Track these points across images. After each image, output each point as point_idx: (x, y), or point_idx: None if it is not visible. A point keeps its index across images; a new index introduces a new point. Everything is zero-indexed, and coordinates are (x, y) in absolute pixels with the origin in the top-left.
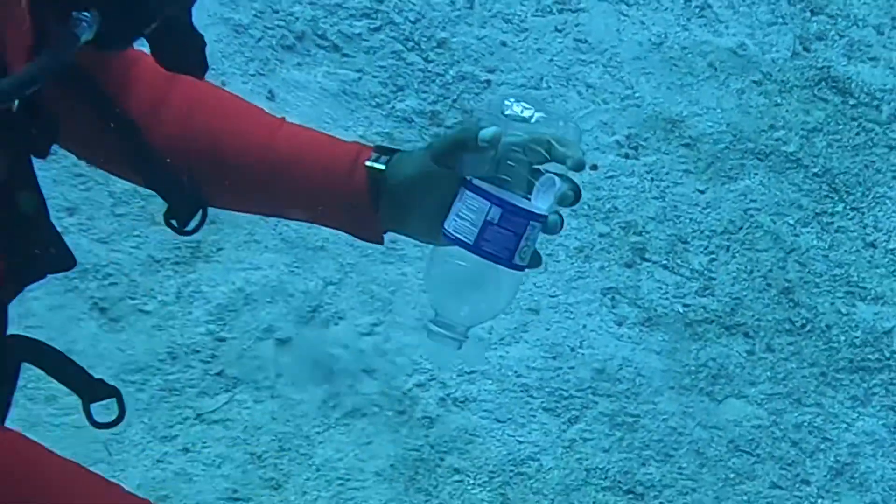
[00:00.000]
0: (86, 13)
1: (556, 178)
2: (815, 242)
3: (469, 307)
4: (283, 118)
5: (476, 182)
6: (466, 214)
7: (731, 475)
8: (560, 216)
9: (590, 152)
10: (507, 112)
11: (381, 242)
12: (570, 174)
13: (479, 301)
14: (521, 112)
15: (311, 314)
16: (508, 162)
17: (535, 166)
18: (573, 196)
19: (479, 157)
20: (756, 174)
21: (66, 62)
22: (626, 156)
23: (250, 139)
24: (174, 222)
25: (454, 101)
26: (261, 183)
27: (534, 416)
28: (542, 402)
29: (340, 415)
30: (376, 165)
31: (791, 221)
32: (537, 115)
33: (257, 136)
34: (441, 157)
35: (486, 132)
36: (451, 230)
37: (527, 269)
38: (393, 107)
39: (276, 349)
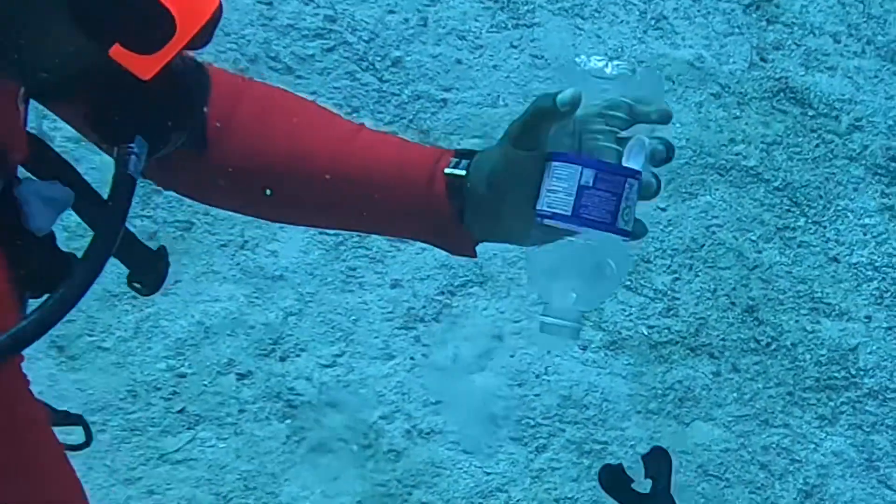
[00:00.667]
0: (131, 144)
1: (644, 139)
2: (778, 258)
3: (579, 291)
4: (363, 124)
5: (562, 153)
6: (558, 185)
7: (702, 501)
8: (656, 177)
9: None
10: (582, 68)
11: (473, 256)
12: (661, 131)
13: (588, 283)
14: (597, 63)
15: (271, 346)
16: (591, 134)
17: (620, 134)
18: (664, 151)
19: (561, 129)
20: (717, 190)
21: (127, 213)
22: None
23: (326, 145)
24: (137, 285)
25: (410, 120)
26: (338, 193)
27: (501, 447)
28: (509, 432)
29: (306, 450)
30: (456, 172)
31: (753, 237)
32: (613, 63)
33: (334, 141)
34: (522, 138)
35: (565, 95)
36: (545, 208)
37: (632, 241)
38: None
39: (237, 384)
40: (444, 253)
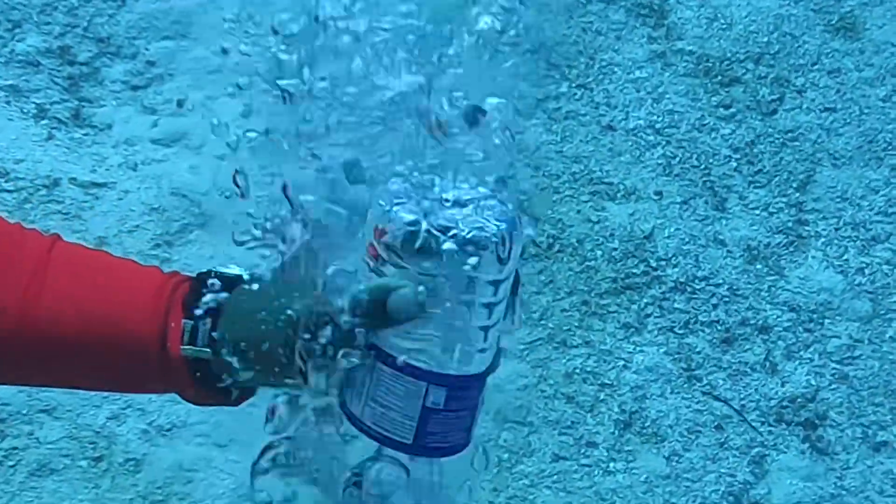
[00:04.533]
0: None
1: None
2: (544, 137)
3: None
4: (55, 239)
5: (393, 351)
6: (392, 402)
7: (505, 456)
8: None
9: None
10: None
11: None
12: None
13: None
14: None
15: None
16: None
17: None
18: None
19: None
20: (459, 62)
21: None
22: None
23: (12, 296)
24: None
25: (85, 28)
26: (25, 355)
27: (259, 431)
28: (265, 410)
29: (24, 476)
30: (198, 352)
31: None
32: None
33: (21, 290)
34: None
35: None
36: (373, 427)
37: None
38: (12, 50)
39: None
40: (152, 193)
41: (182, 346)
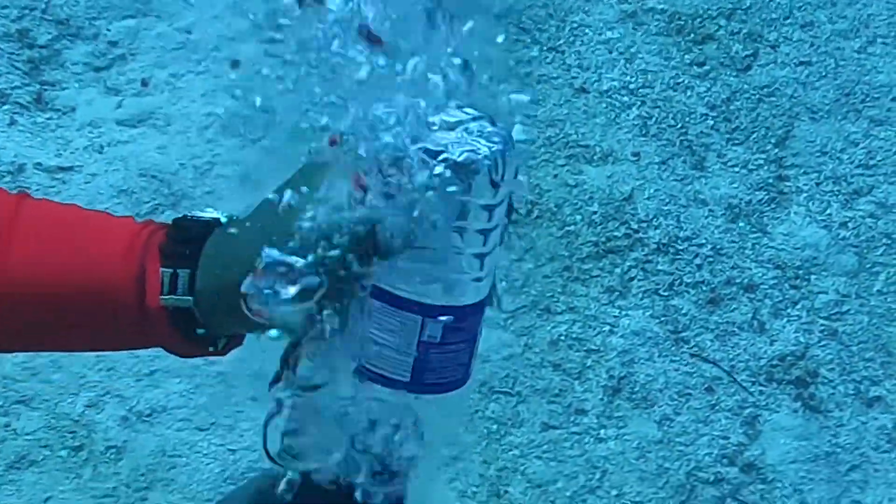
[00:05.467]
0: None
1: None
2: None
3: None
4: (22, 197)
5: (385, 289)
6: (385, 338)
7: (494, 427)
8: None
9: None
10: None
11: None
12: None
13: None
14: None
15: None
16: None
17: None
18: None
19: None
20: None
21: None
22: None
23: None
24: None
25: (44, 11)
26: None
27: (241, 413)
28: (247, 392)
29: (3, 469)
30: (178, 303)
31: (483, 82)
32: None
33: None
34: None
35: None
36: (364, 364)
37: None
38: None
39: None
40: (120, 175)
41: (161, 296)
